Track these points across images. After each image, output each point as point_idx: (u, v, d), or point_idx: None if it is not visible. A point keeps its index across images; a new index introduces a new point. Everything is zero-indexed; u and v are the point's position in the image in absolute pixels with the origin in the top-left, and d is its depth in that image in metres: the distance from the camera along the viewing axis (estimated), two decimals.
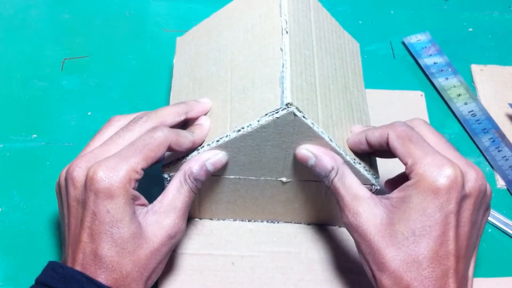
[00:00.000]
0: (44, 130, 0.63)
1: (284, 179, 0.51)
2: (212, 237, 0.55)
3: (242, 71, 0.50)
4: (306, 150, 0.47)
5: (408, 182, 0.43)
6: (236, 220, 0.56)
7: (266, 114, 0.45)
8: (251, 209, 0.55)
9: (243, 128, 0.46)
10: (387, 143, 0.46)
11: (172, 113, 0.48)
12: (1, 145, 0.61)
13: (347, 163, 0.48)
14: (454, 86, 0.68)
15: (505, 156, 0.63)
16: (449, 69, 0.70)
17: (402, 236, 0.42)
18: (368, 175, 0.49)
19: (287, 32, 0.50)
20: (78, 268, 0.43)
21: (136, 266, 0.43)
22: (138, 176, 0.44)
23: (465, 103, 0.67)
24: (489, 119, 0.65)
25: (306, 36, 0.52)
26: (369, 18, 0.77)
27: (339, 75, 0.53)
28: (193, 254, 0.54)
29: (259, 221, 0.57)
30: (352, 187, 0.46)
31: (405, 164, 0.44)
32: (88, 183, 0.43)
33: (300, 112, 0.45)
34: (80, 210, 0.44)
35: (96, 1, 0.75)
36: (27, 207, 0.57)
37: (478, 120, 0.66)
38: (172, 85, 0.56)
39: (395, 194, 0.44)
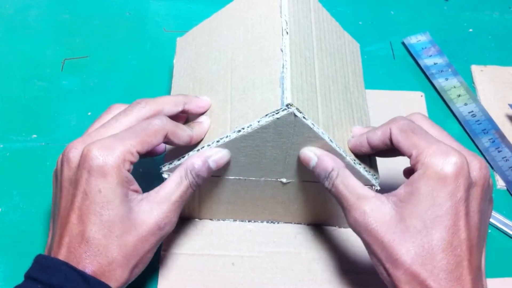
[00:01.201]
0: (44, 130, 0.63)
1: (284, 180, 0.51)
2: (212, 237, 0.55)
3: (243, 71, 0.50)
4: (309, 151, 0.47)
5: (415, 174, 0.42)
6: (236, 220, 0.56)
7: (266, 115, 0.45)
8: (251, 209, 0.55)
9: (243, 128, 0.46)
10: (390, 139, 0.45)
11: (169, 102, 0.48)
12: (1, 145, 0.61)
13: (347, 164, 0.48)
14: (454, 87, 0.68)
15: (505, 157, 0.63)
16: (449, 70, 0.70)
17: (414, 229, 0.41)
18: (368, 175, 0.49)
19: (287, 32, 0.50)
20: (63, 251, 0.42)
21: (123, 251, 0.43)
22: (133, 159, 0.44)
23: (465, 104, 0.67)
24: (489, 119, 0.66)
25: (307, 36, 0.52)
26: (369, 18, 0.77)
27: (340, 76, 0.53)
28: (193, 254, 0.54)
29: (259, 221, 0.57)
30: (355, 188, 0.45)
31: (410, 156, 0.43)
32: (82, 161, 0.42)
33: (300, 112, 0.45)
34: (72, 191, 0.43)
35: (96, 1, 0.75)
36: (27, 207, 0.57)
37: (478, 120, 0.66)
38: (172, 85, 0.55)
39: (402, 189, 0.43)
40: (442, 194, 0.41)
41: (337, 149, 0.47)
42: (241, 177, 0.51)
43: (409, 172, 0.49)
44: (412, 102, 0.67)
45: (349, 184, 0.45)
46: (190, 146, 0.48)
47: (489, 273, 0.54)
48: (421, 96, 0.68)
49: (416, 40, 0.73)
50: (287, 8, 0.51)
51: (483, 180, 0.43)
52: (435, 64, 0.70)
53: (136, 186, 0.45)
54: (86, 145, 0.43)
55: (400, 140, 0.44)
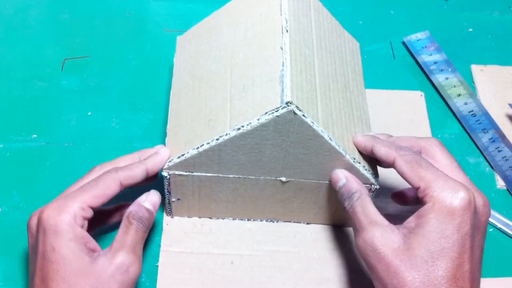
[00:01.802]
0: (44, 130, 0.63)
1: (283, 179, 0.51)
2: (212, 236, 0.55)
3: (242, 69, 0.50)
4: (341, 173, 0.49)
5: (424, 207, 0.44)
6: (235, 219, 0.56)
7: (266, 113, 0.45)
8: (251, 208, 0.55)
9: (242, 126, 0.46)
10: (393, 165, 0.47)
11: (125, 159, 0.51)
12: (1, 145, 0.61)
13: (346, 162, 0.48)
14: (454, 86, 0.68)
15: (505, 157, 0.63)
16: (449, 69, 0.70)
17: (421, 259, 0.42)
18: (367, 174, 0.49)
19: (287, 30, 0.50)
20: None
21: None
22: (86, 214, 0.46)
23: (465, 103, 0.67)
24: (489, 119, 0.65)
25: (306, 35, 0.52)
26: (369, 18, 0.77)
27: (339, 74, 0.53)
28: (192, 253, 0.54)
29: (259, 220, 0.57)
30: (371, 213, 0.46)
31: (417, 188, 0.45)
32: (38, 226, 0.45)
33: (300, 110, 0.45)
34: (34, 256, 0.45)
35: (96, 1, 0.75)
36: (27, 207, 0.57)
37: (478, 120, 0.66)
38: (172, 83, 0.56)
39: (412, 221, 0.44)
40: (450, 227, 0.42)
41: (336, 147, 0.47)
42: (241, 176, 0.51)
43: (397, 196, 0.53)
44: (411, 102, 0.67)
45: (366, 208, 0.47)
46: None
47: (488, 273, 0.54)
48: (421, 95, 0.68)
49: (416, 38, 0.73)
50: (287, 6, 0.51)
51: (485, 217, 0.45)
52: (435, 63, 0.70)
53: (93, 243, 0.46)
54: (41, 209, 0.45)
55: (406, 171, 0.46)
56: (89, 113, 0.64)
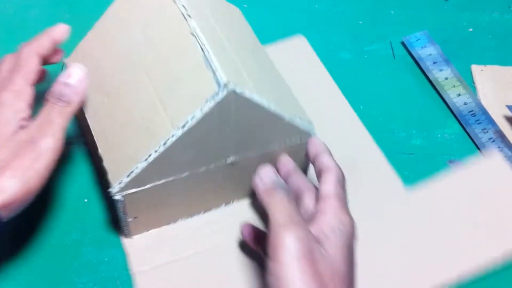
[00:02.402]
0: None
1: (232, 159, 0.50)
2: (177, 241, 0.54)
3: (159, 69, 0.48)
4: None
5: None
6: (192, 215, 0.55)
7: (207, 101, 0.44)
8: (205, 199, 0.54)
9: (187, 122, 0.45)
10: (321, 175, 0.49)
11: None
12: None
13: (286, 122, 0.49)
14: (454, 86, 0.68)
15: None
16: (449, 69, 0.70)
17: None
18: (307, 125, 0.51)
19: (190, 16, 0.48)
20: None
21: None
22: (29, 90, 0.48)
23: (465, 103, 0.67)
24: (489, 119, 0.65)
25: (205, 17, 0.51)
26: (369, 18, 0.77)
27: (243, 44, 0.53)
28: (166, 263, 0.53)
29: (214, 209, 0.56)
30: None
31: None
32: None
33: (239, 88, 0.44)
34: None
35: (96, 1, 0.75)
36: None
37: (478, 120, 0.65)
38: (84, 106, 0.52)
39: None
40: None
41: (277, 112, 0.48)
42: (193, 171, 0.50)
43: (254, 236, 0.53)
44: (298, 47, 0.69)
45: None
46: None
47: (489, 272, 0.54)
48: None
49: (415, 38, 0.73)
50: None
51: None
52: (434, 63, 0.70)
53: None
54: None
55: (331, 187, 0.47)
56: None
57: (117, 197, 0.48)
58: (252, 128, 0.48)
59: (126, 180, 0.47)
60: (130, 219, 0.52)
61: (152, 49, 0.50)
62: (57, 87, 0.48)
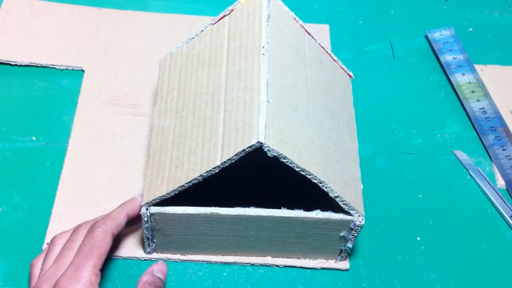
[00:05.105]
0: (44, 130, 0.63)
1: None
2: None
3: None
4: None
5: None
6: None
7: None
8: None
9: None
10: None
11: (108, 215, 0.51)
12: (1, 145, 0.61)
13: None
14: (470, 82, 0.68)
15: (508, 155, 0.63)
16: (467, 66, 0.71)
17: None
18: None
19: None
20: None
21: None
22: (98, 279, 0.46)
23: (477, 100, 0.67)
24: (499, 117, 0.66)
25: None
26: (369, 18, 0.77)
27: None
28: None
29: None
30: None
31: None
32: None
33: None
34: None
35: (96, 1, 0.75)
36: (27, 207, 0.57)
37: (488, 118, 0.66)
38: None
39: None
40: None
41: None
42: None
43: None
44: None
45: None
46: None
47: (490, 271, 0.54)
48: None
49: (439, 35, 0.73)
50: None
51: None
52: (453, 59, 0.71)
53: None
54: (54, 283, 0.45)
55: None
56: None
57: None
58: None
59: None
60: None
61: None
62: (155, 280, 0.50)
